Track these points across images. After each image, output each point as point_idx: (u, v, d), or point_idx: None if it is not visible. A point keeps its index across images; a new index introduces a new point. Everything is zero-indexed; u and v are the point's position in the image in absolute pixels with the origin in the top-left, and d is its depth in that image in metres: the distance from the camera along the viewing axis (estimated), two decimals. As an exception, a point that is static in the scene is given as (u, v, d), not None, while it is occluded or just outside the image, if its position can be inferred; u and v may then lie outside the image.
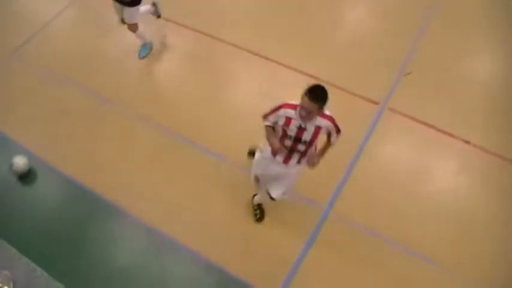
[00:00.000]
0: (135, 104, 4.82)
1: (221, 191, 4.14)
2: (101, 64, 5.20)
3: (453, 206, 4.13)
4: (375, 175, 4.30)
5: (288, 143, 3.10)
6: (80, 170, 4.27)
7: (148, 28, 5.17)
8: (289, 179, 3.39)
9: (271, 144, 3.10)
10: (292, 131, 3.02)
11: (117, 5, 4.66)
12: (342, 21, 5.85)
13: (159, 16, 5.30)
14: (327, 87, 2.81)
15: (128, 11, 4.64)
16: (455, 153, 4.49)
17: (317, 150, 3.26)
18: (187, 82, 5.06)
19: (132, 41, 5.17)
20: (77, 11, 5.83)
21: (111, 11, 4.90)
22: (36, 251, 3.72)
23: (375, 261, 3.80)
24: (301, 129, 2.99)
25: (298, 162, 3.26)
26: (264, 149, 3.33)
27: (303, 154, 3.19)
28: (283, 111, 3.01)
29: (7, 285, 3.52)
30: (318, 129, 2.99)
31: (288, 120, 2.99)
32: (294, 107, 2.97)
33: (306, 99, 2.76)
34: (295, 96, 2.92)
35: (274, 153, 3.20)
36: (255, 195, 3.95)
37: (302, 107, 2.82)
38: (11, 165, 4.21)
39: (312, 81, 2.86)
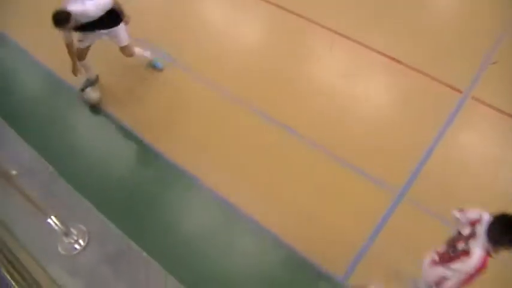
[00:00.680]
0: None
1: (295, 172, 4.09)
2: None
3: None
4: (452, 164, 4.08)
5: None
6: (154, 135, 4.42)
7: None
8: None
9: None
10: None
11: (93, 35, 4.19)
12: (430, 5, 5.64)
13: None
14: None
15: (116, 32, 4.23)
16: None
17: None
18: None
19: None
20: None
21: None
22: (110, 207, 3.86)
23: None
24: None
25: None
26: None
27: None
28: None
29: (82, 239, 3.67)
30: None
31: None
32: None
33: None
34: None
35: None
36: None
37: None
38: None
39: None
